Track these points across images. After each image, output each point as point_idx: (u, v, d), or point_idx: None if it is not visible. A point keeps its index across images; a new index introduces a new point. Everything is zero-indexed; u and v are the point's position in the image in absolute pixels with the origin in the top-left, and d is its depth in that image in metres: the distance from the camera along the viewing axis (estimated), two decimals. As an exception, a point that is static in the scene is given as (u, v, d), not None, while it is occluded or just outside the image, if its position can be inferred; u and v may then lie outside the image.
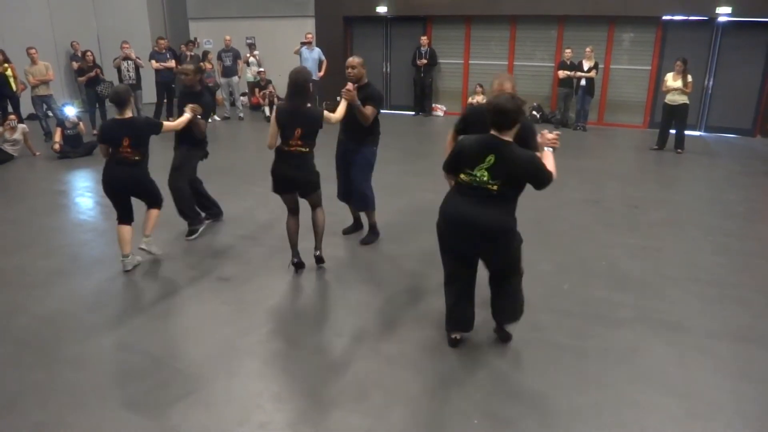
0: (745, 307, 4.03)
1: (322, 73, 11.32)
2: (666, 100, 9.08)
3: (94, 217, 5.93)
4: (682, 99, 8.90)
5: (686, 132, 9.20)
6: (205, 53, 11.82)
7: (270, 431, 2.76)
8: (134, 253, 4.57)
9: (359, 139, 4.79)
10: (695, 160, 8.83)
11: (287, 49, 11.64)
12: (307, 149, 4.21)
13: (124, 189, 4.49)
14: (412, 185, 6.99)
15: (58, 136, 8.36)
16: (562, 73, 10.77)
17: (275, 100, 11.67)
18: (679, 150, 9.06)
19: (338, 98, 4.55)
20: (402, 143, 9.49)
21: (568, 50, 10.79)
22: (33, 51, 9.29)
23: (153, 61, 10.61)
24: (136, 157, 4.41)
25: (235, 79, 11.77)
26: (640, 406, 2.95)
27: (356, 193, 4.96)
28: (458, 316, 3.38)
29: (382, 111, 4.80)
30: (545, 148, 3.28)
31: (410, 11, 12.12)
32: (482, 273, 3.37)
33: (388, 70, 13.00)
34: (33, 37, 10.51)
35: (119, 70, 10.20)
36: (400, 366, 3.28)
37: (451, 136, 3.81)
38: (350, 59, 4.69)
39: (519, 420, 2.84)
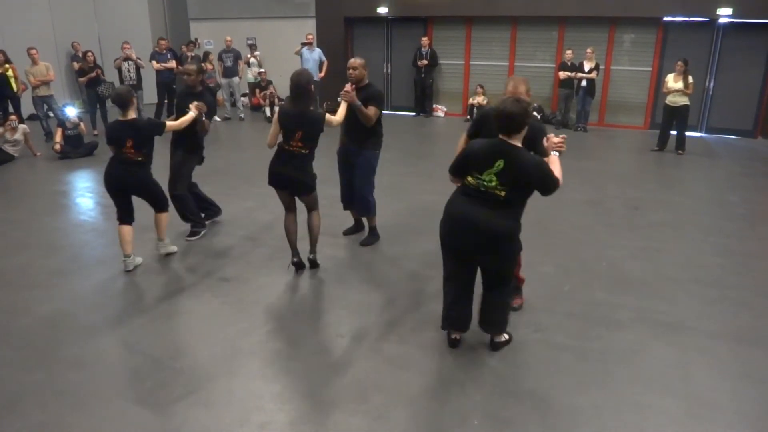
0: (745, 308, 4.03)
1: (322, 74, 11.32)
2: (667, 101, 9.06)
3: (95, 217, 5.94)
4: (683, 100, 8.88)
5: (687, 133, 9.19)
6: (206, 54, 11.84)
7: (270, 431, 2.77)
8: (136, 253, 4.58)
9: (361, 141, 4.77)
10: (696, 161, 8.82)
11: (288, 49, 11.65)
12: (307, 151, 4.22)
13: (125, 188, 4.49)
14: (412, 186, 6.99)
15: (58, 137, 8.38)
16: (562, 74, 10.78)
17: (276, 100, 11.67)
18: (679, 151, 9.06)
19: (339, 99, 4.54)
20: (402, 144, 9.50)
21: (568, 51, 10.80)
22: (34, 51, 9.29)
23: (154, 62, 10.63)
24: (139, 158, 4.41)
25: (236, 79, 11.77)
26: (641, 407, 2.95)
27: (358, 198, 4.95)
28: (455, 315, 3.38)
29: (383, 112, 4.77)
30: (552, 153, 3.25)
31: (411, 12, 12.12)
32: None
33: (389, 70, 13.00)
34: (34, 37, 10.51)
35: (120, 71, 10.20)
36: (401, 366, 3.29)
37: (464, 140, 3.69)
38: (352, 60, 4.67)
39: (519, 421, 2.85)
